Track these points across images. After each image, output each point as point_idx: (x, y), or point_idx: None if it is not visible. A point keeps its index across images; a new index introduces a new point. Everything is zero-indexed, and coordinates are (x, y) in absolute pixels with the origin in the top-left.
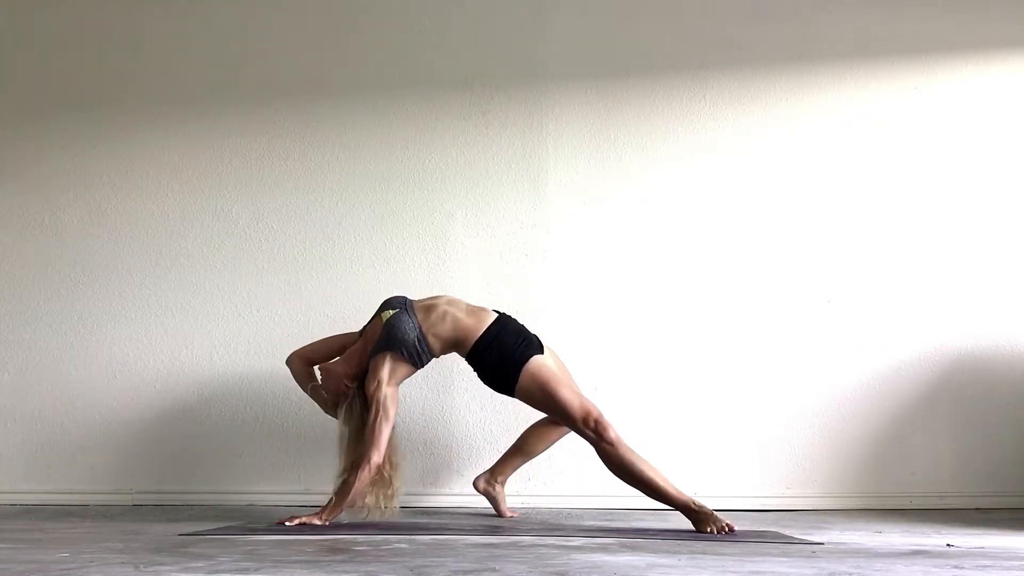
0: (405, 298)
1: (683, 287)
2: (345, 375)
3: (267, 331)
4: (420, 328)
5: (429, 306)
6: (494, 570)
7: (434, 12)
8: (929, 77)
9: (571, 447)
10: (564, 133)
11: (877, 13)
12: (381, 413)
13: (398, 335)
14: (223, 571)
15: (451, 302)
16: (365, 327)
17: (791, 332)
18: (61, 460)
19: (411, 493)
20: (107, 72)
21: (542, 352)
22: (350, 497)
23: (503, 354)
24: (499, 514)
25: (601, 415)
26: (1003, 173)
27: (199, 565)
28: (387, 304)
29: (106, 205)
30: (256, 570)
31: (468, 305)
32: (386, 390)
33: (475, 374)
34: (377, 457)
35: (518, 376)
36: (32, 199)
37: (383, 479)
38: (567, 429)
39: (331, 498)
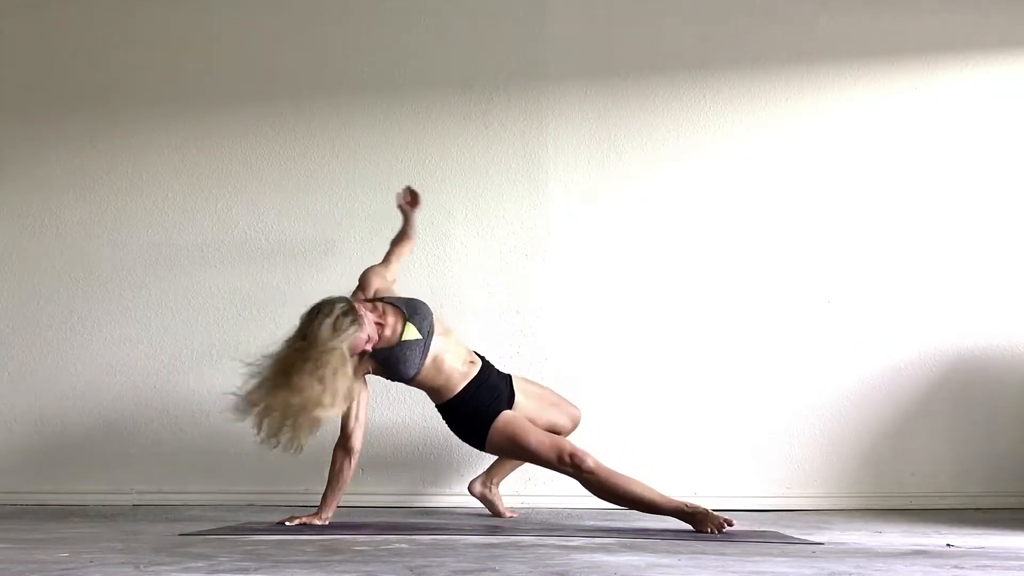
0: (431, 324)
1: (683, 287)
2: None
3: (267, 331)
4: (419, 371)
5: (440, 356)
6: (494, 570)
7: (434, 12)
8: (929, 77)
9: None
10: (564, 133)
11: (877, 13)
12: (364, 405)
13: (400, 366)
14: (223, 571)
15: (456, 351)
16: (387, 307)
17: (791, 332)
18: (61, 460)
19: (411, 493)
20: (107, 72)
21: (512, 403)
22: (342, 490)
23: (476, 412)
24: (498, 516)
25: (575, 449)
26: (1003, 173)
27: (199, 565)
28: (416, 315)
29: (106, 205)
30: (256, 570)
31: (465, 355)
32: (363, 387)
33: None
34: (359, 444)
35: (487, 434)
36: (32, 199)
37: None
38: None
39: (324, 495)
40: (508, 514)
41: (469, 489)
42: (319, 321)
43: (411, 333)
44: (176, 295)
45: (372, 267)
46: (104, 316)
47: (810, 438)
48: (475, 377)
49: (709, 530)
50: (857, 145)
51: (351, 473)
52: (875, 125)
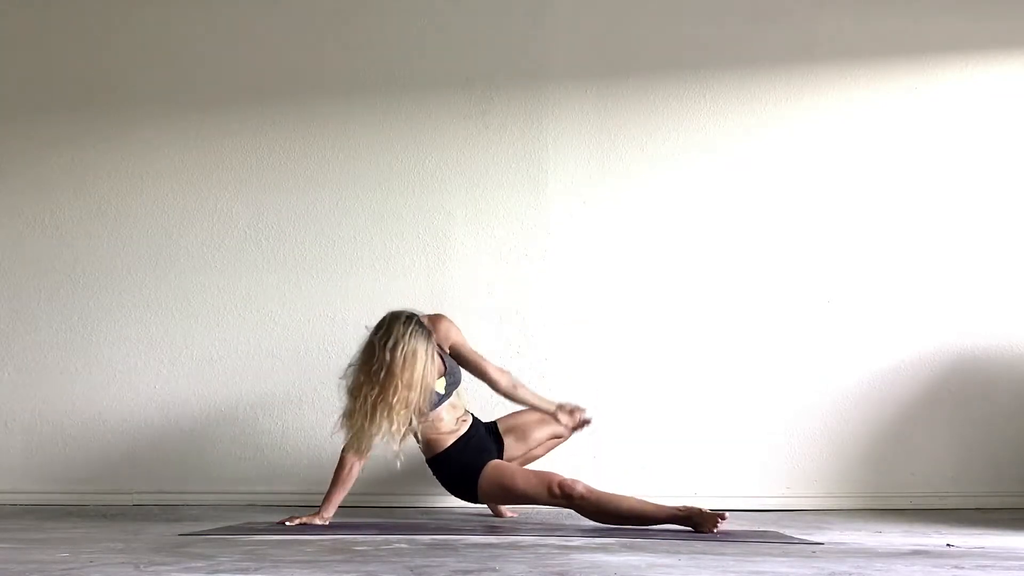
0: (457, 383)
1: (683, 287)
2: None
3: (267, 331)
4: (420, 417)
5: (439, 412)
6: (494, 570)
7: (434, 12)
8: (929, 77)
9: (570, 448)
10: (564, 133)
11: (877, 13)
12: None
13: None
14: (223, 571)
15: (454, 411)
16: (435, 357)
17: (791, 332)
18: (61, 460)
19: (411, 493)
20: (107, 72)
21: (501, 452)
22: (346, 491)
23: (466, 466)
24: (498, 516)
25: (563, 479)
26: (1003, 173)
27: (199, 565)
28: (451, 376)
29: (106, 205)
30: (256, 570)
31: (460, 413)
32: None
33: (476, 379)
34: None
35: (477, 485)
36: (32, 198)
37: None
38: (561, 441)
39: (328, 494)
40: (508, 514)
41: None
42: (407, 329)
43: (439, 386)
44: (176, 295)
45: (454, 327)
46: (104, 316)
47: (810, 438)
48: (464, 433)
49: (707, 530)
50: (857, 145)
51: (355, 474)
52: (875, 125)
